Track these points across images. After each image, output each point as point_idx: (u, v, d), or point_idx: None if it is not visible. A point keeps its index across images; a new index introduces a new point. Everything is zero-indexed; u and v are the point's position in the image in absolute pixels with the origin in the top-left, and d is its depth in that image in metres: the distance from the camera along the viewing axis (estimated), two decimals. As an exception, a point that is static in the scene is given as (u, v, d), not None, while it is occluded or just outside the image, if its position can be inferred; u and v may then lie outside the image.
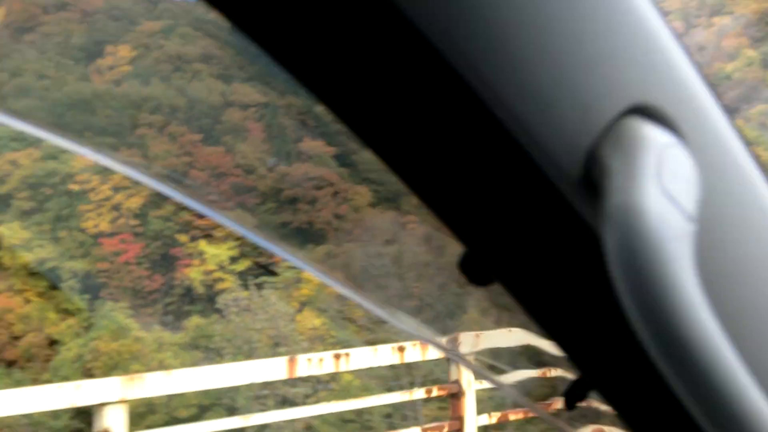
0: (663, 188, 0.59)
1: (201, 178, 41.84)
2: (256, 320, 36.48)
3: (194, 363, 35.73)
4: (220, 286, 39.72)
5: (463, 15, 0.61)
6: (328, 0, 0.66)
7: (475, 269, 0.85)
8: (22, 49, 48.50)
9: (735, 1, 55.36)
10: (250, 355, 35.39)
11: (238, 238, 41.45)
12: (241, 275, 40.70)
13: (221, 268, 40.56)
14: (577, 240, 0.75)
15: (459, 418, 7.20)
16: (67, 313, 40.39)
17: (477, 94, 0.66)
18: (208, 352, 36.36)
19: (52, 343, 39.08)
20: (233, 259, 40.99)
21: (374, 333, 37.82)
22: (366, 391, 35.03)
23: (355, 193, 42.52)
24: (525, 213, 0.77)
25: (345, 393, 34.88)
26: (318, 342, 37.26)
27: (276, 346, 36.02)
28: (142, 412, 34.19)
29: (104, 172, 41.85)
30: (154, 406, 33.80)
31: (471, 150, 0.74)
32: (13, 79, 45.63)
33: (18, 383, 37.21)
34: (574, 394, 1.01)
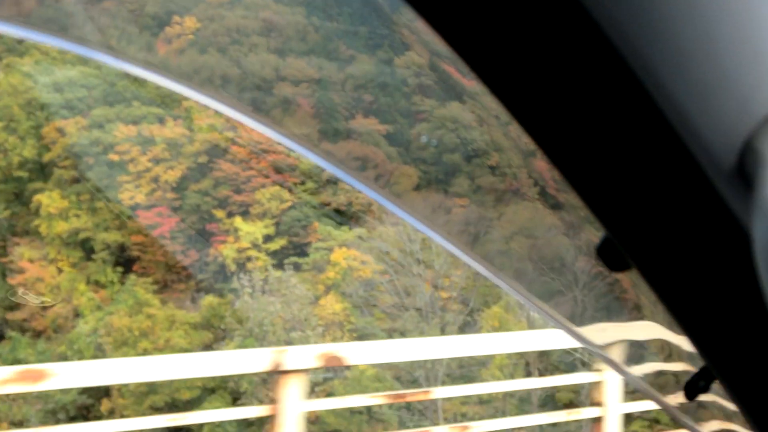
0: None
1: (241, 154, 40.39)
2: (272, 302, 34.77)
3: (204, 344, 34.36)
4: (251, 264, 38.14)
5: (634, 5, 0.64)
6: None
7: (614, 255, 0.90)
8: (94, 16, 48.21)
9: None
10: (261, 338, 33.80)
11: (274, 216, 39.88)
12: (275, 254, 39.07)
13: (255, 246, 38.98)
14: (723, 231, 0.77)
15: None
16: (99, 285, 39.67)
17: (640, 80, 0.67)
18: (218, 332, 34.89)
19: (78, 315, 38.35)
20: (268, 238, 39.35)
21: (395, 321, 35.64)
22: (378, 381, 32.99)
23: (401, 175, 40.11)
24: (674, 201, 0.81)
25: (356, 383, 32.96)
26: (336, 328, 35.31)
27: (290, 331, 34.23)
28: (144, 392, 33.08)
29: (145, 143, 40.97)
30: (155, 386, 32.60)
31: (626, 136, 0.77)
32: (76, 48, 45.15)
33: (41, 354, 36.72)
34: (696, 385, 1.10)
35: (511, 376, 32.82)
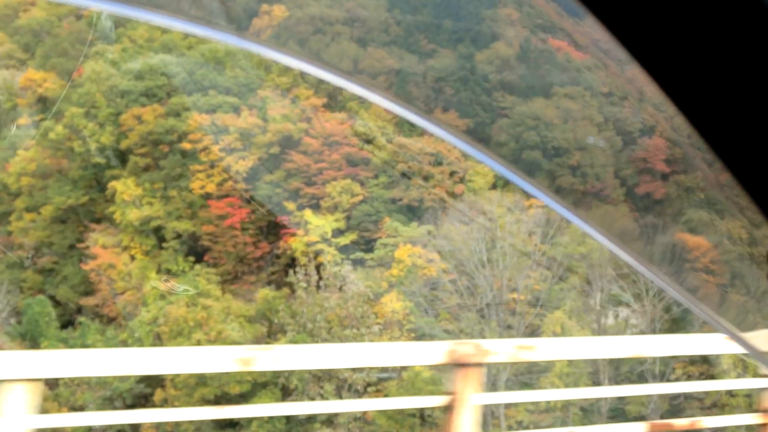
0: None
1: (314, 146, 39.61)
2: (329, 298, 33.91)
3: (256, 337, 33.81)
4: (320, 259, 37.36)
5: None
6: None
7: None
8: (185, 8, 48.24)
9: None
10: (313, 334, 33.04)
11: (345, 210, 38.99)
12: (345, 249, 38.19)
13: (324, 240, 38.16)
14: None
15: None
16: (170, 273, 39.50)
17: None
18: (272, 327, 34.24)
19: (145, 303, 38.30)
20: (338, 232, 38.48)
21: (457, 323, 34.37)
22: (432, 384, 31.80)
23: (476, 173, 38.74)
24: None
25: (410, 385, 31.91)
26: (394, 327, 34.22)
27: (344, 328, 33.32)
28: (193, 384, 32.74)
29: (217, 132, 40.63)
30: (206, 379, 32.25)
31: None
32: (163, 35, 45.33)
33: (109, 340, 36.88)
34: None
35: (575, 385, 31.21)
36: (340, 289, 34.24)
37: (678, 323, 32.67)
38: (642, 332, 33.45)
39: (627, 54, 0.71)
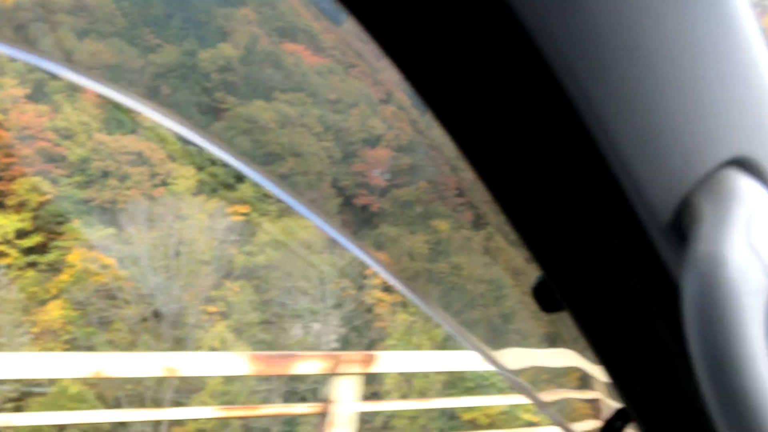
0: (750, 242, 0.61)
1: (4, 138, 36.44)
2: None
3: None
4: (1, 261, 34.16)
5: (586, 46, 0.63)
6: None
7: (549, 296, 0.90)
8: None
9: None
10: (-52, 342, 29.83)
11: (33, 209, 35.91)
12: (29, 251, 35.06)
13: (6, 241, 34.93)
14: (655, 282, 0.79)
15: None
16: None
17: (590, 132, 0.67)
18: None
19: None
20: (23, 233, 35.30)
21: (119, 333, 31.65)
22: (80, 402, 29.02)
23: (180, 176, 36.19)
24: (609, 248, 0.82)
25: (54, 402, 28.93)
26: (48, 337, 31.24)
27: (-10, 337, 30.20)
28: None
29: None
30: None
31: (570, 180, 0.78)
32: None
33: None
34: (612, 425, 1.09)
35: (232, 404, 28.74)
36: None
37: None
38: (318, 347, 31.42)
39: (384, 54, 0.70)
